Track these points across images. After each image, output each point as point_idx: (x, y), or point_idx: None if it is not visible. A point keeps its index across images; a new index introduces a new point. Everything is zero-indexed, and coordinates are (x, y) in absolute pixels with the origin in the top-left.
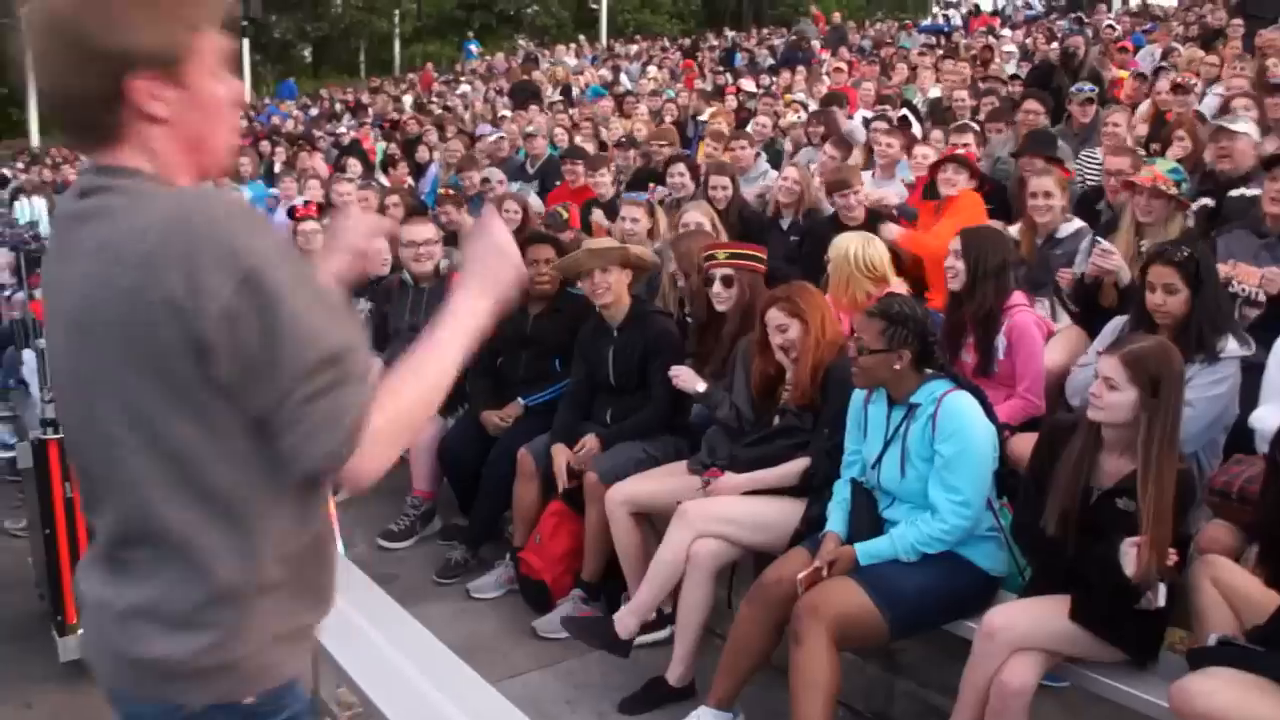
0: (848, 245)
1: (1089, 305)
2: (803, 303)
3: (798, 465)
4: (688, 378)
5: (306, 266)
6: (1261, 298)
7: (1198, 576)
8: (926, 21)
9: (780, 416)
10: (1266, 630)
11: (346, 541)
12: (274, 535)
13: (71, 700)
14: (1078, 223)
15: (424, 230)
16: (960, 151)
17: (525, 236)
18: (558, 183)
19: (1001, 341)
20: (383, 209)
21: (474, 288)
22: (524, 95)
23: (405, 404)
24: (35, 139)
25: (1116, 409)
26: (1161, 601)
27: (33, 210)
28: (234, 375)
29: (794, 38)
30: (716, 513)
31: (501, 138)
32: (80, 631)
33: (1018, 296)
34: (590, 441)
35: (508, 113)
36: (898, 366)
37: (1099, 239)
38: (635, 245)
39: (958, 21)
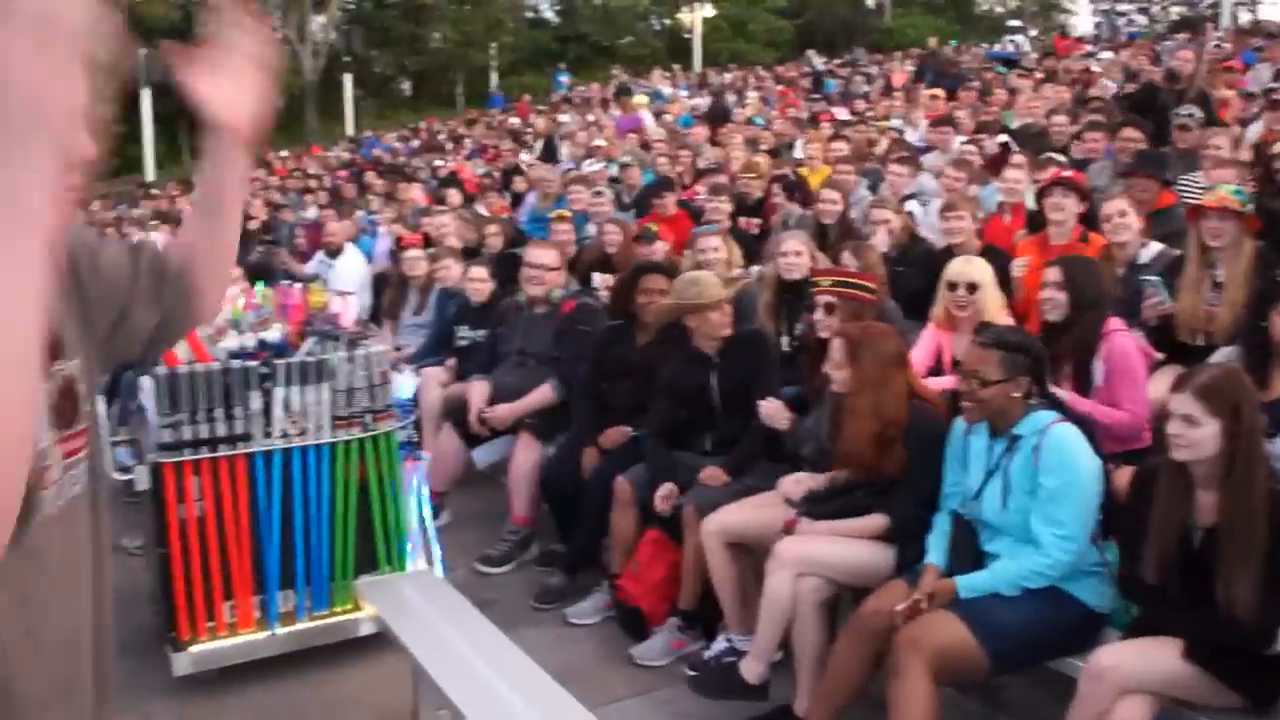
0: (985, 269)
1: (1165, 345)
2: (866, 346)
3: (878, 521)
4: (774, 412)
5: None
6: None
7: None
8: (997, 48)
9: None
10: None
11: (447, 565)
12: None
13: (185, 713)
14: (1156, 246)
15: (544, 255)
16: (1068, 174)
17: (636, 267)
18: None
19: (1099, 367)
20: (481, 239)
21: None
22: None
23: None
24: (151, 174)
25: (1201, 445)
26: None
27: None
28: None
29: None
30: (810, 555)
31: (598, 169)
32: (193, 647)
33: (1115, 322)
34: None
35: (603, 142)
36: (1015, 395)
37: (1147, 279)
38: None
39: (1026, 48)
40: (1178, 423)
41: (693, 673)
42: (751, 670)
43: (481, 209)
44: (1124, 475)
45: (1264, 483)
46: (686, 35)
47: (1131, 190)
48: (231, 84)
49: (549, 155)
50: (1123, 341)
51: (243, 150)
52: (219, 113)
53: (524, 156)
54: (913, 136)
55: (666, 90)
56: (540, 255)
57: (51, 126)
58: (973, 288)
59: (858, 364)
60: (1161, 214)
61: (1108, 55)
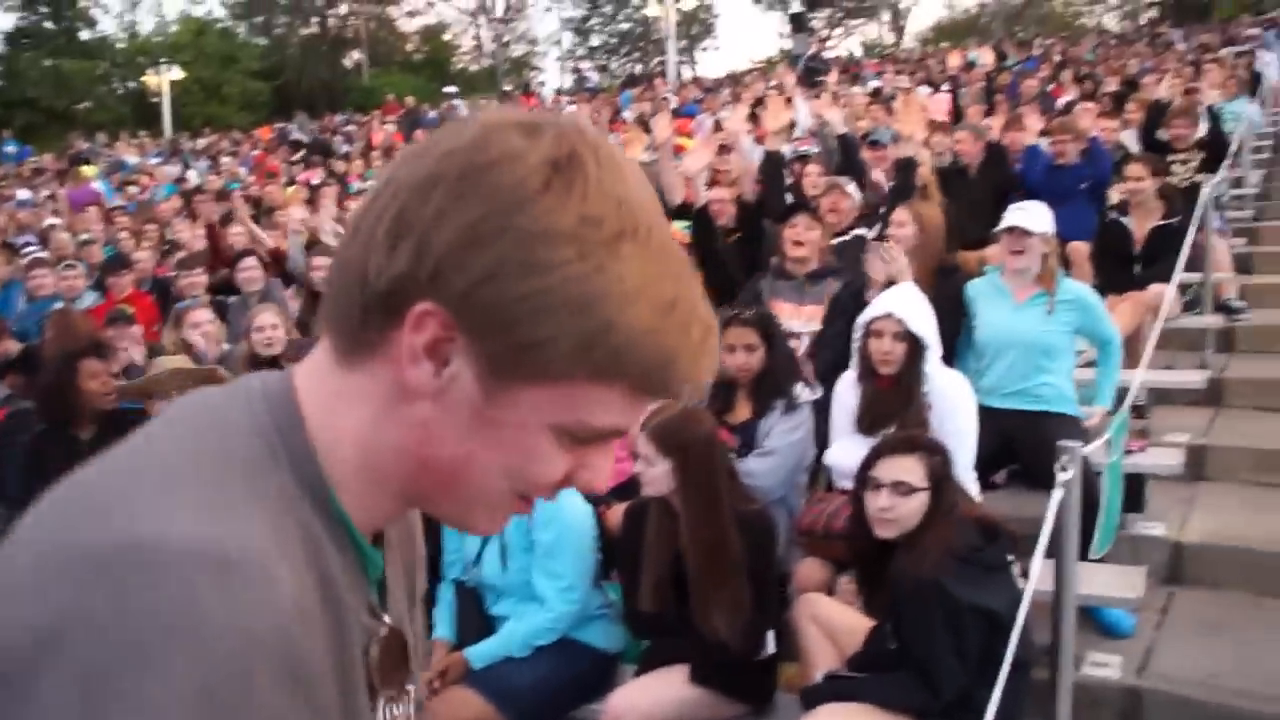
0: None
1: None
2: None
3: None
4: None
5: None
6: None
7: (799, 617)
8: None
9: None
10: (863, 657)
11: None
12: None
13: None
14: None
15: None
16: None
17: (66, 354)
18: None
19: None
20: None
21: None
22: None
23: None
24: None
25: (657, 481)
26: (771, 648)
27: None
28: None
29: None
30: None
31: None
32: None
33: None
34: None
35: (56, 220)
36: None
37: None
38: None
39: (464, 111)
40: (641, 462)
41: None
42: None
43: None
44: (616, 513)
45: (727, 508)
46: (155, 99)
47: None
48: None
49: None
50: None
51: None
52: None
53: None
54: None
55: (133, 159)
56: None
57: None
58: None
59: None
60: None
61: (572, 108)
